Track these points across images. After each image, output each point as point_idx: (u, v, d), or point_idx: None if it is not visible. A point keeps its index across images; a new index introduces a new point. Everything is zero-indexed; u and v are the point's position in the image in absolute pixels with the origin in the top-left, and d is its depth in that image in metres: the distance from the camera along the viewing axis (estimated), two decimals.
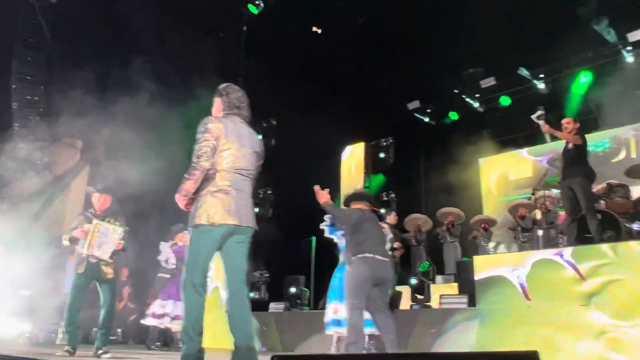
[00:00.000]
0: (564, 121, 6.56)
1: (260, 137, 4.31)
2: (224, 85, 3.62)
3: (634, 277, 4.69)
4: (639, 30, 8.89)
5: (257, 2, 10.86)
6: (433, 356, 2.58)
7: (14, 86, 9.92)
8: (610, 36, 9.02)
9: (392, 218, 8.14)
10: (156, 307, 7.09)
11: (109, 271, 5.01)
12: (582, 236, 6.24)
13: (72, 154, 11.23)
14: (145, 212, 9.48)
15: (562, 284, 5.16)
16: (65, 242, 5.06)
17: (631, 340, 4.56)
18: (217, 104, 3.54)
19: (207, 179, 3.17)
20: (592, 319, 4.84)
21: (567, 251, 5.27)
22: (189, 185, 3.13)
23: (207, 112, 10.46)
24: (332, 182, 11.45)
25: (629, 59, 9.15)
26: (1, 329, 8.00)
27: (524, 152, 10.76)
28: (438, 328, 5.97)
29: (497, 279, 5.65)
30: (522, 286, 5.42)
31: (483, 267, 5.89)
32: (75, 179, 11.00)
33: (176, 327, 6.85)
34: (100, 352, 4.73)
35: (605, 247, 5.08)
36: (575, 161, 6.30)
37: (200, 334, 3.03)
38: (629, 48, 9.07)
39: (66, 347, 4.81)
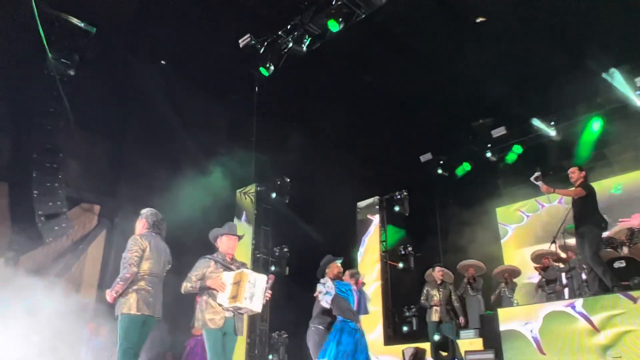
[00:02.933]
0: (569, 170, 6.70)
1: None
2: (146, 210, 4.89)
3: None
4: None
5: (267, 65, 11.31)
6: None
7: (34, 155, 10.32)
8: (619, 83, 9.24)
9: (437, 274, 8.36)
10: None
11: (240, 327, 4.54)
12: (604, 285, 6.30)
13: (89, 218, 11.51)
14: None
15: (575, 337, 5.11)
16: (185, 290, 4.48)
17: None
18: (142, 224, 4.73)
19: (133, 280, 4.27)
20: None
21: (579, 302, 5.26)
22: (120, 287, 4.21)
23: (221, 172, 10.82)
24: (348, 237, 11.60)
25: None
26: None
27: (540, 200, 10.77)
28: None
29: (514, 333, 5.62)
30: (535, 340, 5.37)
31: (508, 319, 5.88)
32: (91, 244, 11.28)
33: None
34: None
35: (617, 296, 5.05)
36: (584, 210, 6.35)
37: None
38: (638, 92, 9.29)
39: None
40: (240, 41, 10.85)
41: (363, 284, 6.07)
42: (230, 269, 4.48)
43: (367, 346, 5.59)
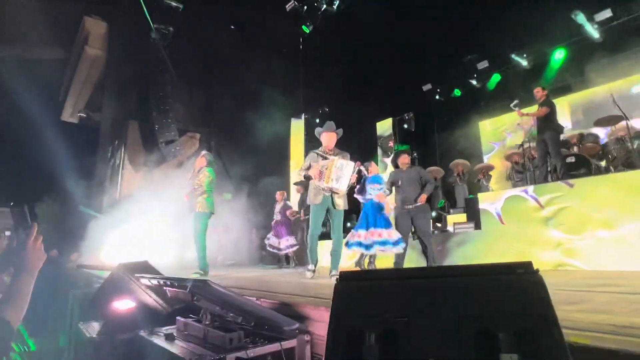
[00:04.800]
0: (535, 90, 6.49)
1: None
2: (205, 152, 5.32)
3: (580, 204, 4.69)
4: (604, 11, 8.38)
5: (308, 24, 10.98)
6: (445, 269, 2.41)
7: (152, 101, 10.73)
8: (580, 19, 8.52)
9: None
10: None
11: (340, 203, 4.19)
12: (547, 175, 6.29)
13: (193, 143, 12.07)
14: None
15: (526, 212, 5.13)
16: (299, 178, 4.42)
17: (580, 249, 4.61)
18: (204, 160, 5.24)
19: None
20: (551, 235, 4.86)
21: (530, 188, 5.21)
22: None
23: (278, 110, 10.93)
24: (371, 147, 11.77)
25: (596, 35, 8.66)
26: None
27: (514, 114, 10.38)
28: (443, 246, 6.02)
29: (486, 211, 5.62)
30: (498, 214, 5.39)
31: (483, 201, 5.75)
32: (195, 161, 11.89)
33: None
34: (332, 273, 4.11)
35: (559, 183, 5.02)
36: (547, 121, 6.22)
37: None
38: (596, 26, 8.57)
39: (311, 267, 4.27)
40: (287, 6, 10.50)
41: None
42: (326, 159, 4.15)
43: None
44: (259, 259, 9.36)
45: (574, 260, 4.64)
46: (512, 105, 6.53)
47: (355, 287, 1.29)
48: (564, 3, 8.08)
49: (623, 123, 6.65)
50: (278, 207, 7.83)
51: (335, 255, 4.18)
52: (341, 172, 3.99)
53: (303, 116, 11.21)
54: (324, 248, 6.01)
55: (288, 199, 8.67)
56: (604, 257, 4.40)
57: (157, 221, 7.75)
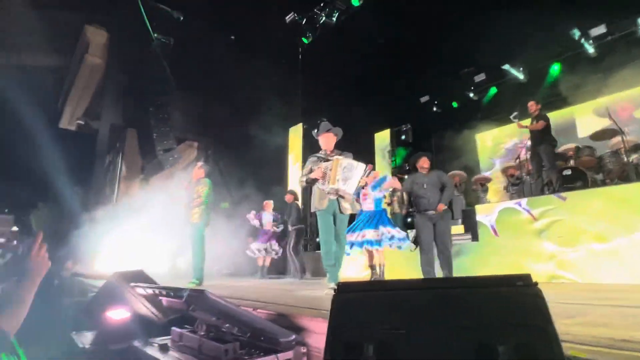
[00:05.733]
0: (528, 104, 6.55)
1: None
2: (202, 163, 5.20)
3: (572, 217, 4.68)
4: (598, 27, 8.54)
5: (308, 35, 11.11)
6: (443, 280, 2.35)
7: (151, 109, 10.73)
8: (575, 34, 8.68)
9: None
10: None
11: (347, 207, 3.81)
12: (543, 188, 6.34)
13: (191, 151, 12.08)
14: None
15: (519, 224, 5.11)
16: (302, 185, 3.94)
17: (574, 262, 4.60)
18: (202, 171, 5.25)
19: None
20: (544, 248, 4.84)
21: (524, 201, 5.21)
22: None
23: (277, 119, 10.93)
24: (369, 157, 11.75)
25: (590, 49, 8.80)
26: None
27: (510, 127, 10.46)
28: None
29: (482, 222, 5.58)
30: (492, 227, 5.38)
31: (480, 212, 5.74)
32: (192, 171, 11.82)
33: None
34: (329, 286, 3.63)
35: (551, 196, 5.03)
36: (542, 134, 6.31)
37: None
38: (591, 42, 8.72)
39: (331, 285, 3.59)
40: (286, 18, 10.63)
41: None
42: (328, 160, 3.82)
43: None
44: (255, 268, 9.32)
45: (568, 273, 4.62)
46: (511, 116, 6.60)
47: (353, 299, 1.28)
48: (560, 17, 8.19)
49: (619, 137, 6.70)
50: (266, 216, 7.87)
51: (338, 263, 3.82)
52: (350, 173, 3.61)
53: (302, 125, 11.23)
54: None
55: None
56: (597, 269, 4.38)
57: (153, 230, 7.74)
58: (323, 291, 3.59)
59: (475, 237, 6.01)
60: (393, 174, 11.05)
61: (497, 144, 10.98)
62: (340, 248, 3.83)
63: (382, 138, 11.52)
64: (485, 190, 9.24)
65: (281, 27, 10.65)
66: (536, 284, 1.05)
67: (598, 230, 4.45)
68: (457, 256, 5.82)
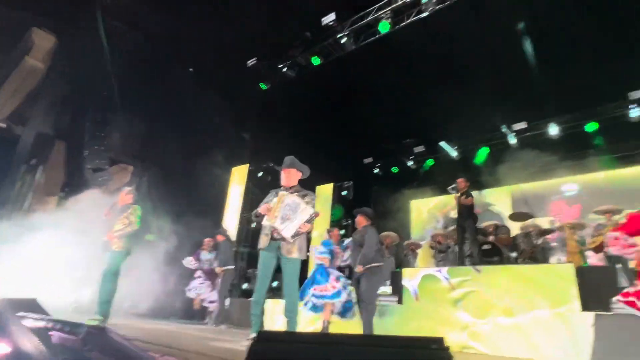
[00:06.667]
0: (458, 180, 7.12)
1: None
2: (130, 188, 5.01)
3: (485, 289, 4.96)
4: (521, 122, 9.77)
5: (266, 82, 11.39)
6: (364, 337, 2.33)
7: (87, 124, 10.13)
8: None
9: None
10: None
11: (291, 249, 3.34)
12: (464, 259, 6.74)
13: (124, 175, 11.36)
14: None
15: (439, 291, 5.32)
16: (252, 220, 3.53)
17: (485, 333, 4.77)
18: (130, 196, 4.92)
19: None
20: (459, 317, 5.01)
21: (444, 269, 5.46)
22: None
23: (222, 155, 10.70)
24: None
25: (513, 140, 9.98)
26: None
27: (441, 198, 11.13)
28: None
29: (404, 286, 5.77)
30: (414, 291, 5.57)
31: (407, 276, 5.91)
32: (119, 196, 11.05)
33: None
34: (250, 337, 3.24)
35: (468, 268, 5.34)
36: (468, 209, 6.81)
37: None
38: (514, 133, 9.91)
39: (252, 336, 3.14)
40: (248, 62, 10.88)
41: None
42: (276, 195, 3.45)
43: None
44: (172, 311, 8.68)
45: (477, 344, 4.80)
46: (449, 188, 7.08)
47: (272, 350, 1.24)
48: (491, 109, 9.22)
49: (531, 220, 7.47)
50: (204, 255, 7.52)
51: (290, 318, 3.26)
52: (292, 213, 3.19)
53: (247, 167, 11.13)
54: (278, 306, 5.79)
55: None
56: (503, 342, 4.60)
57: (61, 254, 7.00)
58: (244, 342, 3.39)
59: (400, 300, 6.11)
60: (331, 227, 11.17)
61: (430, 213, 11.63)
62: (289, 300, 3.30)
63: (324, 191, 11.72)
64: (416, 256, 9.61)
65: (242, 69, 10.85)
66: (448, 348, 1.10)
67: (505, 304, 4.74)
68: (381, 316, 5.86)
